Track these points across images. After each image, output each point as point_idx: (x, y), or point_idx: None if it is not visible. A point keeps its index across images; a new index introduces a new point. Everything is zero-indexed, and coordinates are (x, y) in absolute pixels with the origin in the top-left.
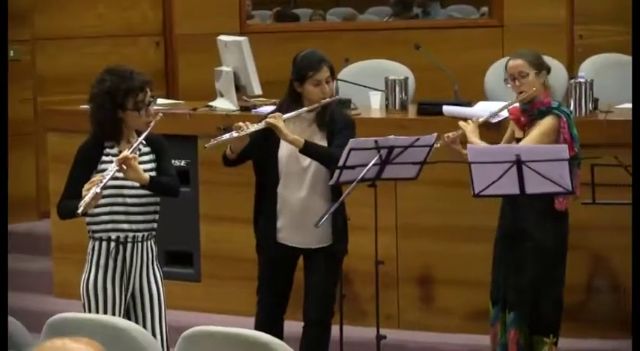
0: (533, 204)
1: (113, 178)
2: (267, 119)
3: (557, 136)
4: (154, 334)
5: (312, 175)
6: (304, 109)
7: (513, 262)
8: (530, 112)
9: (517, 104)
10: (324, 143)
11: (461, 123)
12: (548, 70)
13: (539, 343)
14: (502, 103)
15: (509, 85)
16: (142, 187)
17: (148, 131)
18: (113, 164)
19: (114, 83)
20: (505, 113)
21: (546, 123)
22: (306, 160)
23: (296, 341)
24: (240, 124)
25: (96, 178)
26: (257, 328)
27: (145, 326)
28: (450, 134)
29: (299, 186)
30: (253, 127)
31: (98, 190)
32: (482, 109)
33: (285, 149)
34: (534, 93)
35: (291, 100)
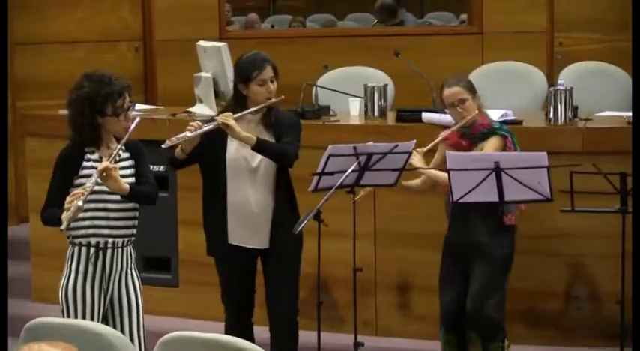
0: (485, 220)
1: (96, 184)
2: (219, 119)
3: None
4: (131, 340)
5: (262, 176)
6: (252, 108)
7: (471, 275)
8: (471, 136)
9: (450, 132)
10: None
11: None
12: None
13: (499, 349)
14: (445, 128)
15: (447, 112)
16: (122, 197)
17: (126, 138)
18: (94, 175)
19: (92, 89)
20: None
21: (494, 143)
22: (255, 161)
23: (267, 346)
24: (193, 124)
25: (77, 191)
26: (227, 334)
27: (122, 331)
28: None
29: (249, 187)
30: (206, 127)
31: (80, 203)
32: None
33: (232, 151)
34: (475, 116)
35: (236, 103)
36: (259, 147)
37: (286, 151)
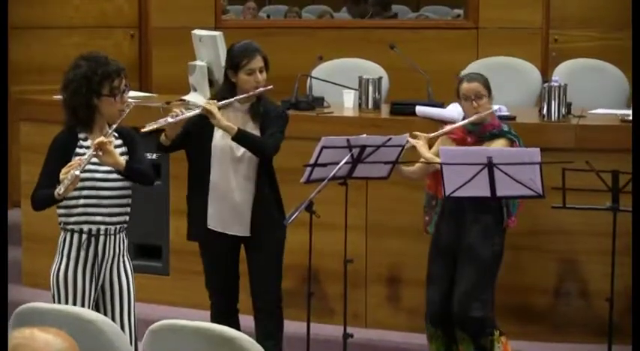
0: (479, 221)
1: (88, 170)
2: (203, 104)
3: None
4: (122, 327)
5: (246, 165)
6: (238, 97)
7: (457, 276)
8: (480, 134)
9: (459, 125)
10: (257, 134)
11: (410, 140)
12: None
13: (493, 342)
14: (454, 121)
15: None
16: (118, 172)
17: (121, 118)
18: (90, 149)
19: (90, 68)
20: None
21: (501, 144)
22: (240, 150)
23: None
24: (175, 110)
25: (74, 162)
26: (213, 321)
27: (113, 318)
28: None
29: (232, 175)
30: (188, 113)
31: (77, 172)
32: (455, 111)
33: (218, 138)
34: (488, 115)
35: (225, 90)
36: (238, 137)
37: (264, 144)
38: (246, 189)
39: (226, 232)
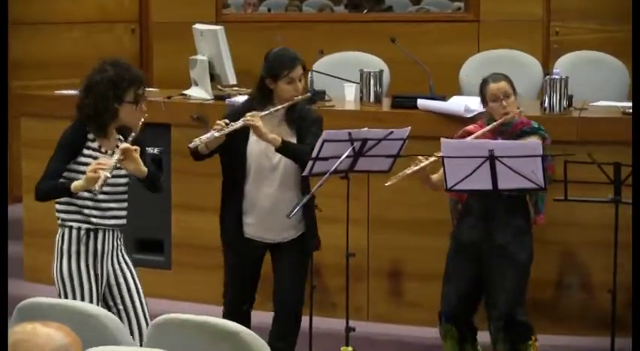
0: (510, 220)
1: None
2: (246, 119)
3: None
4: (138, 320)
5: (283, 171)
6: (279, 106)
7: (496, 278)
8: (511, 133)
9: (487, 129)
10: (293, 139)
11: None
12: None
13: (527, 348)
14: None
15: (486, 107)
16: (137, 180)
17: (139, 125)
18: (116, 153)
19: (117, 73)
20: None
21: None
22: (277, 157)
23: (265, 331)
24: (220, 122)
25: (103, 161)
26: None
27: (127, 314)
28: (410, 170)
29: (269, 182)
30: (232, 126)
31: (108, 174)
32: (456, 103)
33: (254, 145)
34: (517, 114)
35: (261, 97)
36: (283, 149)
37: (308, 153)
38: (282, 196)
39: (260, 240)
